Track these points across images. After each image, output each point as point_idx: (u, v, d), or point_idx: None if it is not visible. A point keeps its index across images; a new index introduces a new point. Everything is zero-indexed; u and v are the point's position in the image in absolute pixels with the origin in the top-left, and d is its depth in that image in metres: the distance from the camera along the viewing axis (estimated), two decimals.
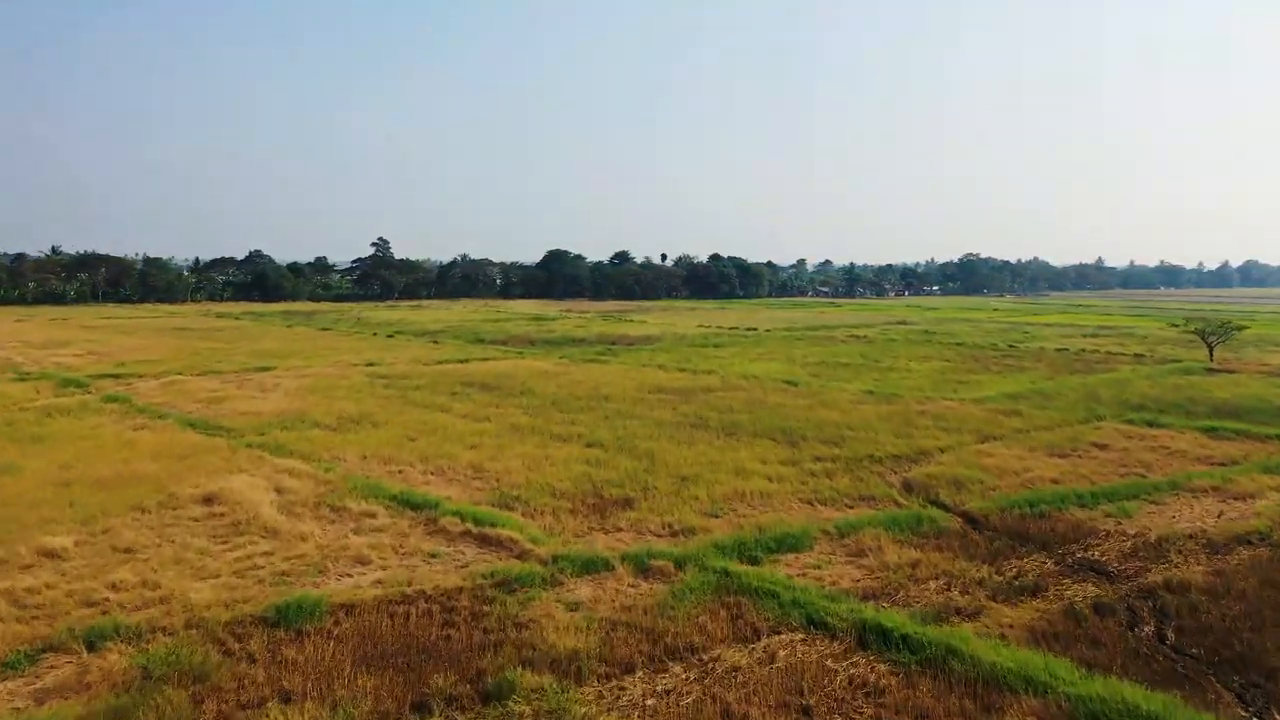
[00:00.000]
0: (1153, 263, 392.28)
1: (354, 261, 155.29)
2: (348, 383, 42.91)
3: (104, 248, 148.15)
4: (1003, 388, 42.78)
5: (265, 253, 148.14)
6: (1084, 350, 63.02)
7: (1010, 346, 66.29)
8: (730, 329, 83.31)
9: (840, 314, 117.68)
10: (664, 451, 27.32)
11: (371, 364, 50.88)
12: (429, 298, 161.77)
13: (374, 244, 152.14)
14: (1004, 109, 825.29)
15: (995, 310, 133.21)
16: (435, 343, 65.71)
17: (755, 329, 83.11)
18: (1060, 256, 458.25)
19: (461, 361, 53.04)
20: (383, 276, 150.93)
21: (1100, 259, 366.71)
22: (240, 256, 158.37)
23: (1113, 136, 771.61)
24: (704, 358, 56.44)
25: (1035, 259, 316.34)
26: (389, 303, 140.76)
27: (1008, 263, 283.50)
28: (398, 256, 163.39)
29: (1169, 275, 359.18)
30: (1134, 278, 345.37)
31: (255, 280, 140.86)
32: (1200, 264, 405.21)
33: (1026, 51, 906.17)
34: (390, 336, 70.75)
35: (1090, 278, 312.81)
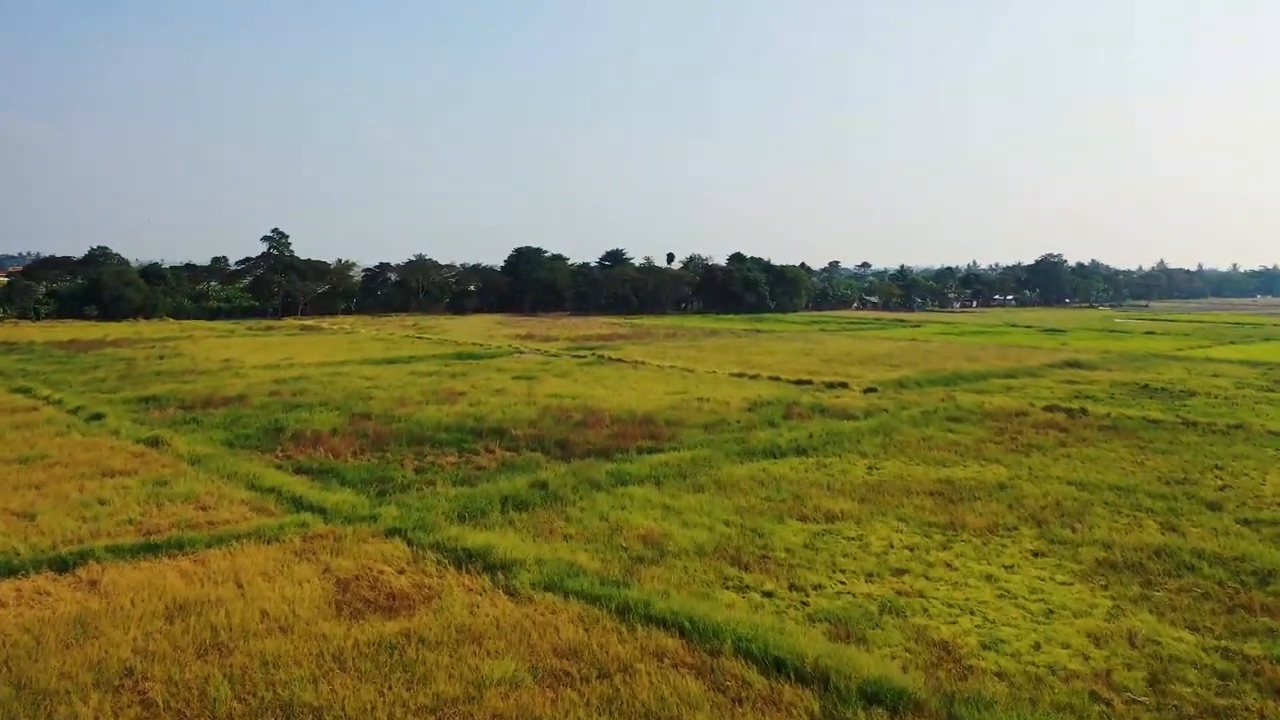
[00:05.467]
0: (1223, 266, 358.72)
1: (239, 263, 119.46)
2: None
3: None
4: None
5: (114, 250, 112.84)
6: None
7: None
8: (800, 384, 48.11)
9: (942, 344, 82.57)
10: None
11: None
12: (349, 311, 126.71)
13: (266, 238, 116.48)
14: (1037, 103, 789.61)
15: (1148, 334, 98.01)
16: (152, 447, 30.36)
17: (845, 384, 47.86)
18: (1110, 258, 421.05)
19: None
20: (280, 283, 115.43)
21: (1162, 261, 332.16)
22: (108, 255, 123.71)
23: (1150, 134, 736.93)
24: (801, 540, 21.22)
25: (1094, 261, 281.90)
26: (271, 322, 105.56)
27: (1082, 265, 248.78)
28: (379, 259, 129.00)
29: (1266, 281, 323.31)
30: (1227, 284, 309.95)
31: (90, 288, 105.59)
32: (1275, 266, 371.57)
33: (1051, 46, 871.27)
34: (61, 435, 34.87)
35: (1180, 284, 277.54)
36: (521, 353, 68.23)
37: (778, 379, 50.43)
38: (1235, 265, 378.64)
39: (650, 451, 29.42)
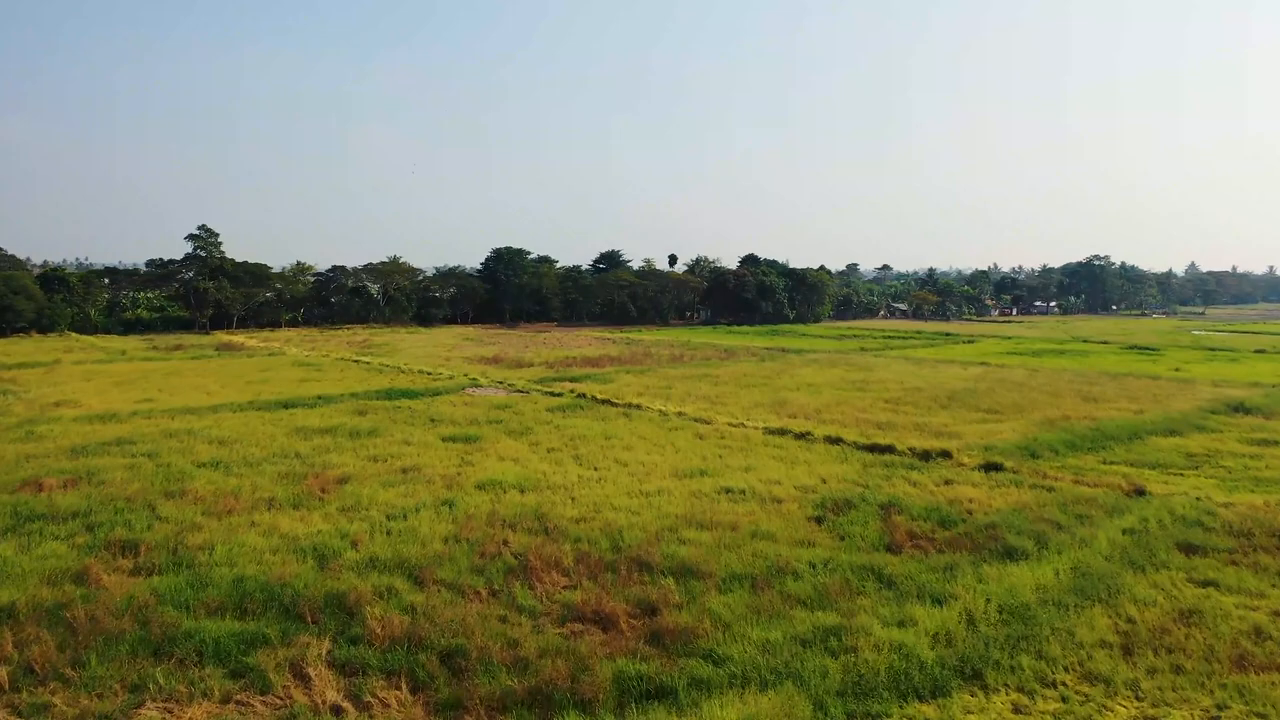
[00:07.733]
0: (1258, 269, 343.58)
1: (157, 266, 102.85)
2: None
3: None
4: None
5: (8, 251, 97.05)
6: None
7: None
8: (876, 452, 32.38)
9: (1027, 374, 67.02)
10: None
11: None
12: (295, 323, 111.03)
13: (191, 236, 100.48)
14: (1055, 104, 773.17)
15: (1259, 353, 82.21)
16: None
17: (947, 452, 31.96)
18: (1136, 259, 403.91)
19: None
20: (210, 291, 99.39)
21: (1193, 264, 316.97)
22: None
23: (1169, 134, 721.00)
24: None
25: (1123, 264, 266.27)
26: (187, 337, 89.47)
27: (1125, 268, 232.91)
28: (353, 263, 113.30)
29: None
30: (1273, 289, 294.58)
31: None
32: None
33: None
34: None
35: (1229, 287, 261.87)
36: (478, 386, 52.59)
37: (839, 441, 34.57)
38: (1271, 268, 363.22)
39: (648, 694, 13.62)
